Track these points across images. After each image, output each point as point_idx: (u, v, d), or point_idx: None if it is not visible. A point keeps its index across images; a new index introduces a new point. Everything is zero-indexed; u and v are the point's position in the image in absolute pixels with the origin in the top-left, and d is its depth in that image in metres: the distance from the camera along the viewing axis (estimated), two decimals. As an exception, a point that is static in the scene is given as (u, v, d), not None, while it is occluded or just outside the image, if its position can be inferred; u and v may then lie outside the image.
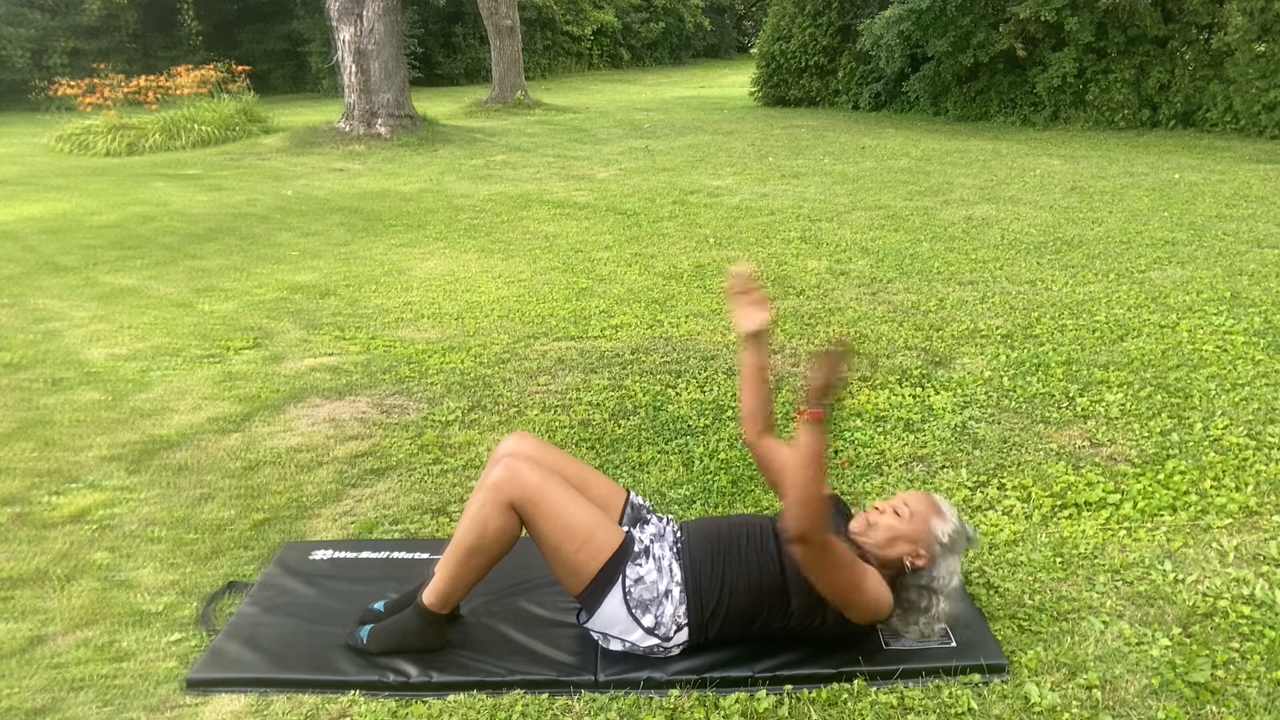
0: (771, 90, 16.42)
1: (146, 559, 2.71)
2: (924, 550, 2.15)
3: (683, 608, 2.14)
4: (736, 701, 2.06)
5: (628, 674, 2.13)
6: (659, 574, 2.16)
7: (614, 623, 2.15)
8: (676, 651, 2.17)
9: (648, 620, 2.13)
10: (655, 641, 2.14)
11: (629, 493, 2.38)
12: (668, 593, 2.14)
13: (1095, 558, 2.58)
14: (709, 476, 3.12)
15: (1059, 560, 2.58)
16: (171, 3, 20.47)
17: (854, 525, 2.23)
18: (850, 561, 2.06)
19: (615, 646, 2.19)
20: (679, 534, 2.29)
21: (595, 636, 2.21)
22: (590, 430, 3.52)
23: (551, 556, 2.13)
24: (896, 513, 2.18)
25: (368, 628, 2.24)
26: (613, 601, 2.13)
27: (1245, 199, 7.26)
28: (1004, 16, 12.17)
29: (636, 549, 2.18)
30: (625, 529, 2.22)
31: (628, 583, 2.14)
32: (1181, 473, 3.01)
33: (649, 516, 2.36)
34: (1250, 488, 2.92)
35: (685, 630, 2.15)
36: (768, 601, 2.14)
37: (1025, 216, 6.95)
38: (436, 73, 23.32)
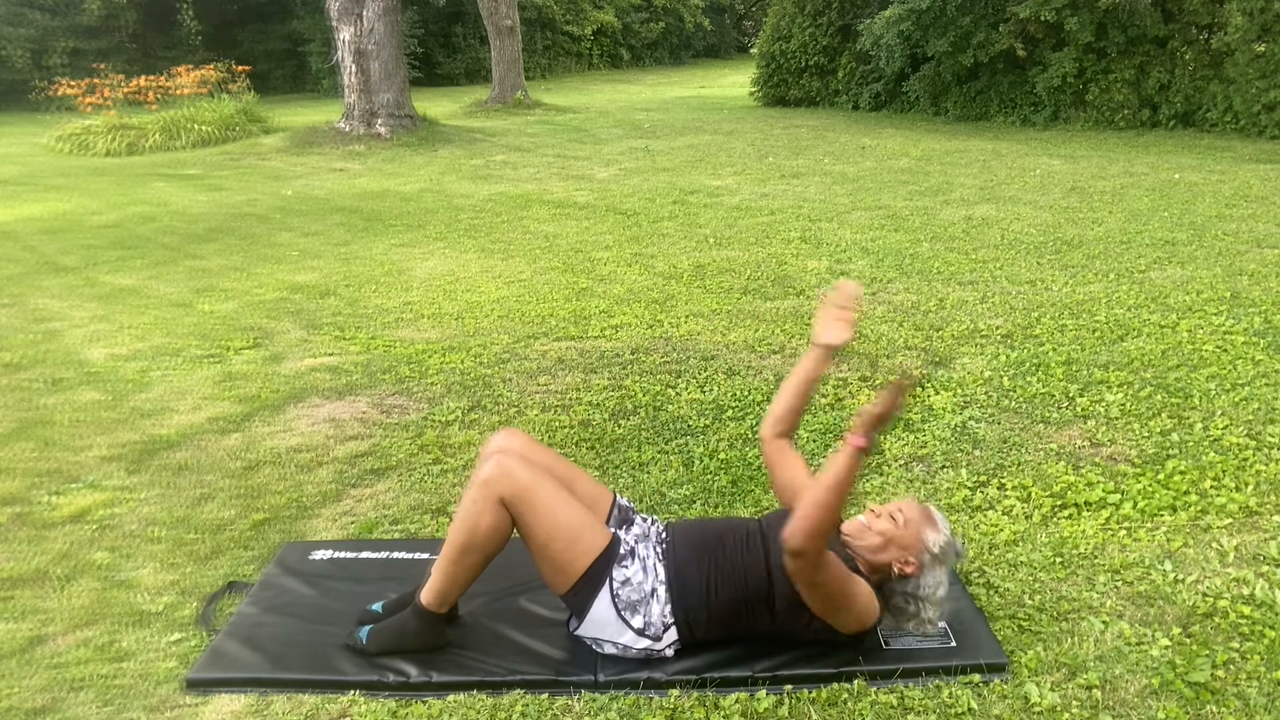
0: (771, 90, 16.42)
1: (146, 559, 2.72)
2: (913, 558, 2.16)
3: (668, 607, 2.14)
4: (736, 701, 2.06)
5: (627, 674, 2.13)
6: (644, 574, 2.17)
7: (604, 626, 2.15)
8: (670, 653, 2.17)
9: (637, 621, 2.13)
10: (646, 644, 2.15)
11: (615, 494, 2.39)
12: (654, 592, 2.15)
13: (1095, 558, 2.58)
14: (709, 477, 3.12)
15: (1059, 560, 2.58)
16: (171, 3, 20.46)
17: (847, 527, 2.23)
18: (841, 576, 2.06)
19: (609, 651, 2.19)
20: (664, 534, 2.29)
21: (588, 642, 2.21)
22: (590, 430, 3.52)
23: (539, 554, 2.13)
24: (892, 518, 2.19)
25: (367, 628, 2.24)
26: (601, 604, 2.14)
27: (1245, 199, 7.26)
28: (1004, 16, 12.16)
29: (622, 550, 2.19)
30: (612, 530, 2.23)
31: (615, 584, 2.15)
32: (1181, 473, 3.01)
33: (634, 517, 2.36)
34: (1250, 488, 2.92)
35: (673, 629, 2.15)
36: (753, 602, 2.14)
37: (1025, 216, 6.95)
38: (436, 73, 23.32)
